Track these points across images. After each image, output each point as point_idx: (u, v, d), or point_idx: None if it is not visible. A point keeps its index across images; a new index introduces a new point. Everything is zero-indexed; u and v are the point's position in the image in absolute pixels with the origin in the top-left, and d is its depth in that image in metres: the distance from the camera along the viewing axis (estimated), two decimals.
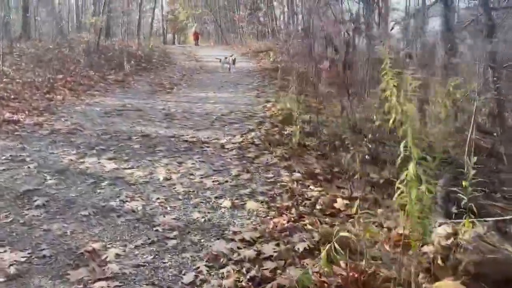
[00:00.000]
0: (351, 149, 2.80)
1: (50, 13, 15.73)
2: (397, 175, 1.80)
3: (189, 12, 34.29)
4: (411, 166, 1.59)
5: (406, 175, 1.65)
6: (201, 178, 3.59)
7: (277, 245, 2.36)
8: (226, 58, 13.08)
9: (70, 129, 5.41)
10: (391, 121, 1.80)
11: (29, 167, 3.87)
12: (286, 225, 2.57)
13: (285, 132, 5.00)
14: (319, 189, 3.21)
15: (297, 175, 3.56)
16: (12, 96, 7.47)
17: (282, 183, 3.37)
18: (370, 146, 2.51)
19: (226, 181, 3.49)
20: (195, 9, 32.76)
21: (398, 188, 1.89)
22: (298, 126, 4.58)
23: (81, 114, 6.48)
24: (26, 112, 6.35)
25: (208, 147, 4.62)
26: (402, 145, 1.60)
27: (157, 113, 6.65)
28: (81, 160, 4.11)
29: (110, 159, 4.16)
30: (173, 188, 3.36)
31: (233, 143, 4.72)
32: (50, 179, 3.56)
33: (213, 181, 3.50)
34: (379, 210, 2.52)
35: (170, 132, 5.37)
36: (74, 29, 18.27)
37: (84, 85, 9.29)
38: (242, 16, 26.55)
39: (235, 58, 13.00)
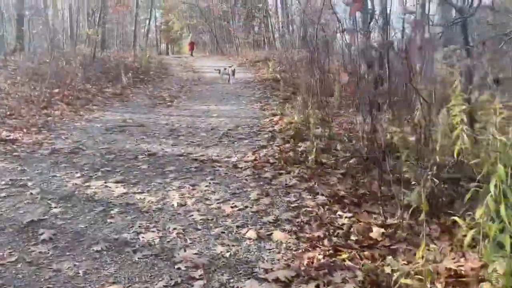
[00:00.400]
0: (412, 183, 2.54)
1: (44, 26, 15.49)
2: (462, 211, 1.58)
3: (183, 22, 34.19)
4: (502, 208, 1.37)
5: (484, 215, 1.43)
6: (218, 203, 3.35)
7: (317, 286, 2.12)
8: (225, 69, 12.89)
9: (72, 148, 5.16)
10: (456, 151, 1.59)
11: (31, 193, 3.61)
12: (322, 260, 2.33)
13: (299, 149, 4.77)
14: (349, 215, 2.98)
15: (321, 198, 3.32)
16: (8, 113, 7.21)
17: (307, 209, 3.14)
18: (436, 181, 2.27)
19: (246, 207, 3.25)
20: (190, 20, 32.65)
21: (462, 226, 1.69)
22: (315, 143, 4.36)
23: (81, 131, 6.22)
24: (24, 130, 6.09)
25: (220, 166, 4.38)
26: (492, 184, 1.38)
27: (160, 129, 6.42)
28: (87, 184, 3.85)
29: (117, 182, 3.91)
30: (190, 216, 3.11)
31: (246, 162, 4.49)
32: (55, 207, 3.31)
33: (231, 207, 3.25)
34: (434, 246, 2.29)
35: (177, 150, 5.13)
36: (69, 42, 18.02)
37: (82, 99, 9.04)
38: (237, 26, 26.47)
39: (234, 69, 12.80)
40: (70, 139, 5.71)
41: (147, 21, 27.29)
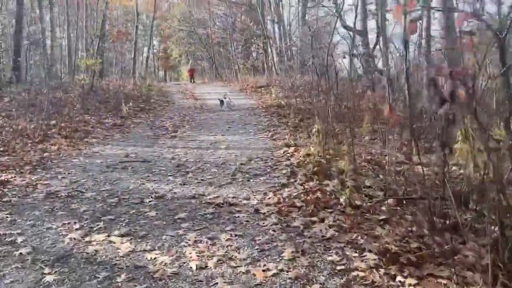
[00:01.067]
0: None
1: (42, 56, 15.17)
2: None
3: (182, 49, 34.20)
4: None
5: None
6: (246, 265, 2.77)
7: None
8: (225, 97, 12.55)
9: (69, 191, 4.60)
10: None
11: (21, 254, 3.03)
12: None
13: (327, 188, 4.23)
14: (412, 281, 2.42)
15: (370, 256, 2.76)
16: (1, 148, 6.69)
17: (358, 273, 2.57)
18: None
19: (281, 270, 2.68)
20: (188, 46, 32.65)
21: None
22: (347, 182, 3.83)
23: (80, 169, 5.68)
24: (17, 169, 5.55)
25: (239, 211, 3.82)
26: None
27: (167, 164, 5.87)
28: (87, 239, 3.28)
29: (122, 235, 3.33)
30: (214, 285, 2.54)
31: (268, 206, 3.93)
32: (49, 273, 2.73)
33: (263, 271, 2.68)
34: None
35: (187, 190, 4.57)
36: (67, 71, 17.70)
37: (80, 131, 8.54)
38: (236, 52, 26.38)
39: (231, 101, 12.50)
40: (68, 179, 5.16)
41: (146, 49, 27.21)
